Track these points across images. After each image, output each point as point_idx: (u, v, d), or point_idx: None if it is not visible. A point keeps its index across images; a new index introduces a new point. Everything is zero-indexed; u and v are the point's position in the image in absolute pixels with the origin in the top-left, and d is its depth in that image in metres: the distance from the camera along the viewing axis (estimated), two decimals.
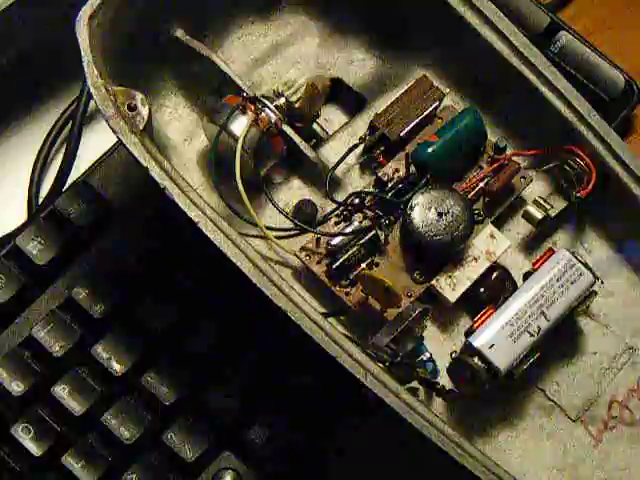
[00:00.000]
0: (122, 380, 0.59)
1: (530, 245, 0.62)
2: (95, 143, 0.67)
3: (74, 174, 0.66)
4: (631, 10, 0.74)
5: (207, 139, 0.61)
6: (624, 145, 0.59)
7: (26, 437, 0.58)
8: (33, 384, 0.59)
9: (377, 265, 0.58)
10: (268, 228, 0.58)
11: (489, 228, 0.60)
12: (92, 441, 0.58)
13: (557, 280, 0.57)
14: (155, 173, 0.53)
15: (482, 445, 0.58)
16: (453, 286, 0.58)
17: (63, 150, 0.67)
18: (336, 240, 0.58)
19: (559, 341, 0.59)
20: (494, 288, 0.59)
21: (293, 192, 0.61)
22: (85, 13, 0.54)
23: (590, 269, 0.58)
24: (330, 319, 0.56)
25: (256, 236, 0.59)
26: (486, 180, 0.60)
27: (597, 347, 0.60)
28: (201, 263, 0.60)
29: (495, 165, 0.60)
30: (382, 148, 0.61)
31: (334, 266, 0.58)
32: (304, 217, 0.60)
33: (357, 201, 0.59)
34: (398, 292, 0.56)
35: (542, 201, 0.60)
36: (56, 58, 0.68)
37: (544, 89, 0.59)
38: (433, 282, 0.58)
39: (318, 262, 0.58)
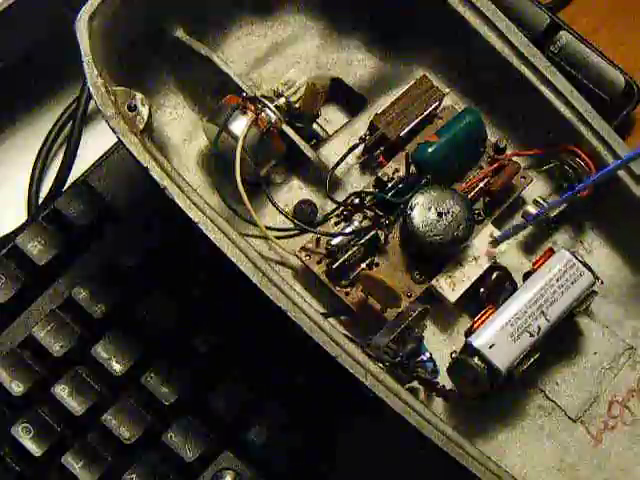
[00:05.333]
0: (122, 380, 0.59)
1: (530, 245, 0.62)
2: (95, 143, 0.67)
3: (74, 174, 0.66)
4: (631, 10, 0.74)
5: (207, 139, 0.61)
6: (624, 145, 0.59)
7: (26, 437, 0.58)
8: (33, 384, 0.59)
9: (377, 265, 0.58)
10: (268, 228, 0.58)
11: (489, 228, 0.60)
12: (92, 441, 0.58)
13: (557, 280, 0.57)
14: (155, 173, 0.53)
15: (482, 445, 0.58)
16: (453, 286, 0.58)
17: (63, 150, 0.67)
18: (336, 240, 0.58)
19: (559, 341, 0.59)
20: (494, 288, 0.59)
21: (293, 192, 0.61)
22: (85, 13, 0.54)
23: (590, 269, 0.58)
24: (330, 319, 0.56)
25: (256, 236, 0.59)
26: (486, 180, 0.60)
27: (597, 347, 0.60)
28: (201, 263, 0.60)
29: (495, 165, 0.60)
30: (382, 148, 0.61)
31: (334, 266, 0.58)
32: (304, 217, 0.60)
33: (357, 201, 0.59)
34: (398, 292, 0.56)
35: (542, 201, 0.60)
36: (56, 58, 0.68)
37: (544, 89, 0.59)
38: (433, 282, 0.58)
39: (318, 262, 0.58)
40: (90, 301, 0.60)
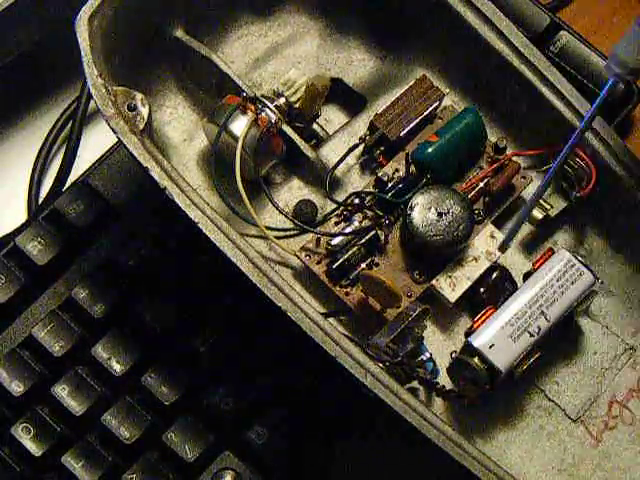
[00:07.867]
0: (122, 380, 0.59)
1: (530, 245, 0.62)
2: (95, 143, 0.67)
3: (74, 174, 0.66)
4: (631, 10, 0.74)
5: (207, 139, 0.61)
6: (624, 145, 0.59)
7: (26, 437, 0.58)
8: (33, 384, 0.59)
9: (377, 265, 0.58)
10: (268, 228, 0.58)
11: (489, 228, 0.60)
12: (92, 441, 0.58)
13: (557, 280, 0.57)
14: (155, 173, 0.53)
15: (482, 445, 0.58)
16: (453, 286, 0.58)
17: (63, 150, 0.67)
18: (336, 240, 0.58)
19: (559, 341, 0.59)
20: (494, 288, 0.59)
21: (293, 192, 0.61)
22: (85, 13, 0.54)
23: (590, 269, 0.58)
24: (330, 319, 0.56)
25: (256, 236, 0.59)
26: (486, 180, 0.60)
27: (597, 347, 0.60)
28: (201, 263, 0.60)
29: (495, 165, 0.60)
30: (382, 148, 0.61)
31: (334, 266, 0.58)
32: (304, 217, 0.60)
33: (357, 201, 0.59)
34: (398, 292, 0.56)
35: (542, 201, 0.60)
36: (56, 58, 0.68)
37: (544, 89, 0.59)
38: (433, 282, 0.58)
39: (318, 262, 0.58)
40: (90, 301, 0.60)
